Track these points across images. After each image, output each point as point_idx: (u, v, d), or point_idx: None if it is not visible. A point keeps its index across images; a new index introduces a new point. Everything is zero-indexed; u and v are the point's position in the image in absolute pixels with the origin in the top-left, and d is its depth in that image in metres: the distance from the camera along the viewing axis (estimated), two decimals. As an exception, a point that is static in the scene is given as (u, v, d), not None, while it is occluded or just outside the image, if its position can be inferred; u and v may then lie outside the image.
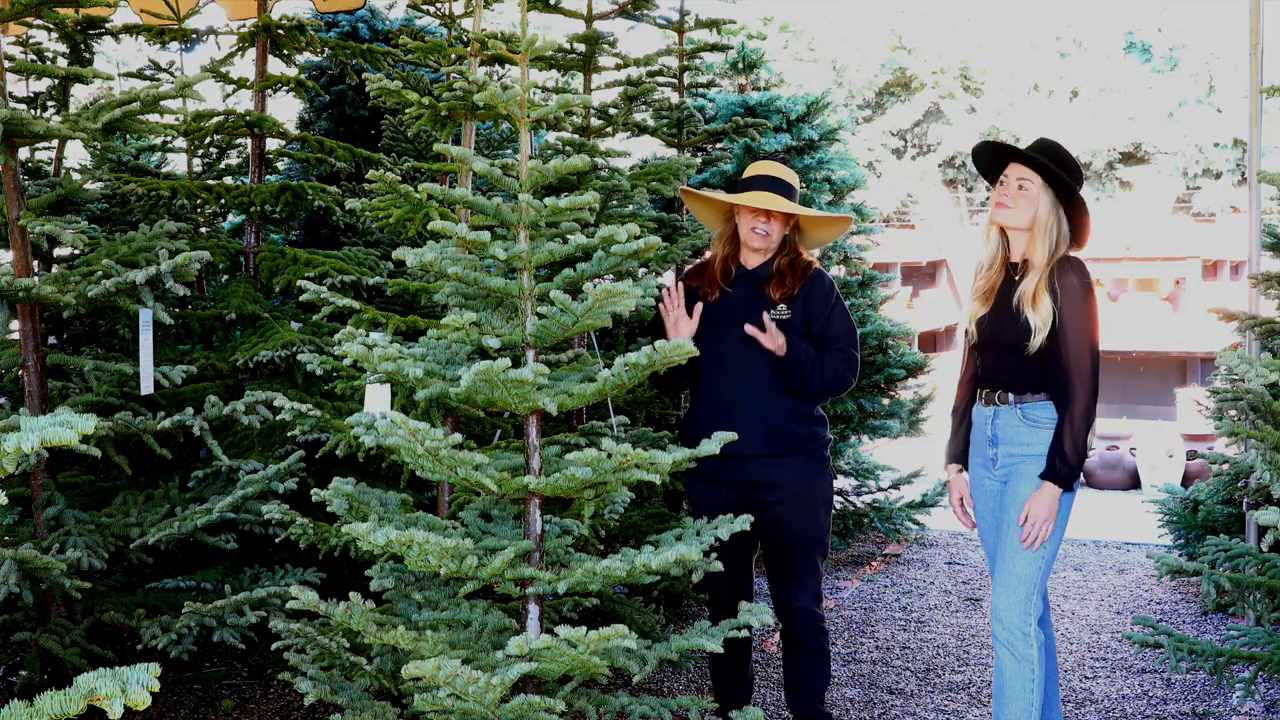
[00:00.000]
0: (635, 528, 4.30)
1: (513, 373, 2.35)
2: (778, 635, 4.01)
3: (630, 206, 4.60)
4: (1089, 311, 3.03)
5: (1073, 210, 3.07)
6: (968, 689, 4.28)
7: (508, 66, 5.75)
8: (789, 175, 3.45)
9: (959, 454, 3.31)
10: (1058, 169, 3.05)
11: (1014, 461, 3.11)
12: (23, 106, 5.02)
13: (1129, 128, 25.73)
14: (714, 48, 5.40)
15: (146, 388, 3.68)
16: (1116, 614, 5.40)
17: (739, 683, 3.54)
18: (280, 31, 4.68)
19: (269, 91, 4.75)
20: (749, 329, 3.26)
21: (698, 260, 4.01)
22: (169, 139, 5.61)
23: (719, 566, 2.74)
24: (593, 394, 2.54)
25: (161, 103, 3.49)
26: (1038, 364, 3.05)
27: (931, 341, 21.25)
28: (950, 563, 6.45)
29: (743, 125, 5.38)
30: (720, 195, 3.51)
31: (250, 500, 3.68)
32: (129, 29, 4.86)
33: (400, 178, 4.63)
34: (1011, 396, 3.11)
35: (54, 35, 4.98)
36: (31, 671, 3.56)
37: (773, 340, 3.27)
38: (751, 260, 3.45)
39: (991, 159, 3.18)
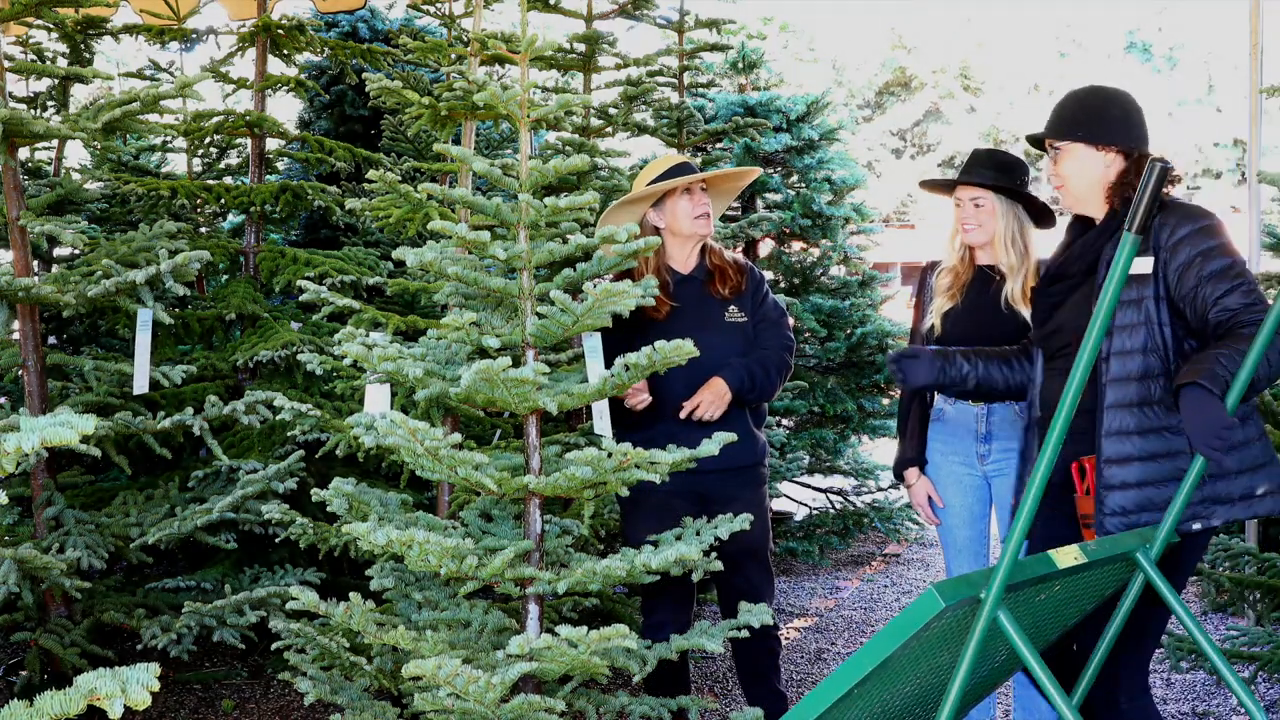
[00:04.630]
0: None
1: (513, 372, 2.35)
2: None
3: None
4: None
5: (1027, 203, 3.24)
6: (968, 689, 4.28)
7: (508, 66, 5.76)
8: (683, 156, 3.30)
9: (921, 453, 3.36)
10: (1001, 173, 3.21)
11: (1010, 457, 3.18)
12: (23, 106, 5.02)
13: (1129, 127, 25.81)
14: (714, 48, 5.40)
15: (140, 387, 3.67)
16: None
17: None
18: (280, 31, 4.68)
19: (269, 91, 4.75)
20: (688, 411, 3.11)
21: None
22: (169, 139, 5.61)
23: (719, 566, 2.73)
24: (593, 394, 2.54)
25: (161, 103, 3.49)
26: None
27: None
28: (950, 563, 6.45)
29: (743, 125, 5.38)
30: (654, 188, 3.23)
31: (250, 500, 3.68)
32: (129, 29, 4.86)
33: (400, 178, 4.63)
34: None
35: (54, 35, 4.98)
36: (31, 671, 3.56)
37: (715, 406, 3.13)
38: (684, 264, 3.27)
39: (942, 189, 3.36)
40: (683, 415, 3.13)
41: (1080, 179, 2.61)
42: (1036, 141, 2.72)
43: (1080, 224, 2.71)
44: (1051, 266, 2.72)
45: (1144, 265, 2.47)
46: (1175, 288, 2.46)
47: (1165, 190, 2.54)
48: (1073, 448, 2.55)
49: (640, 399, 3.10)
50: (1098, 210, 2.63)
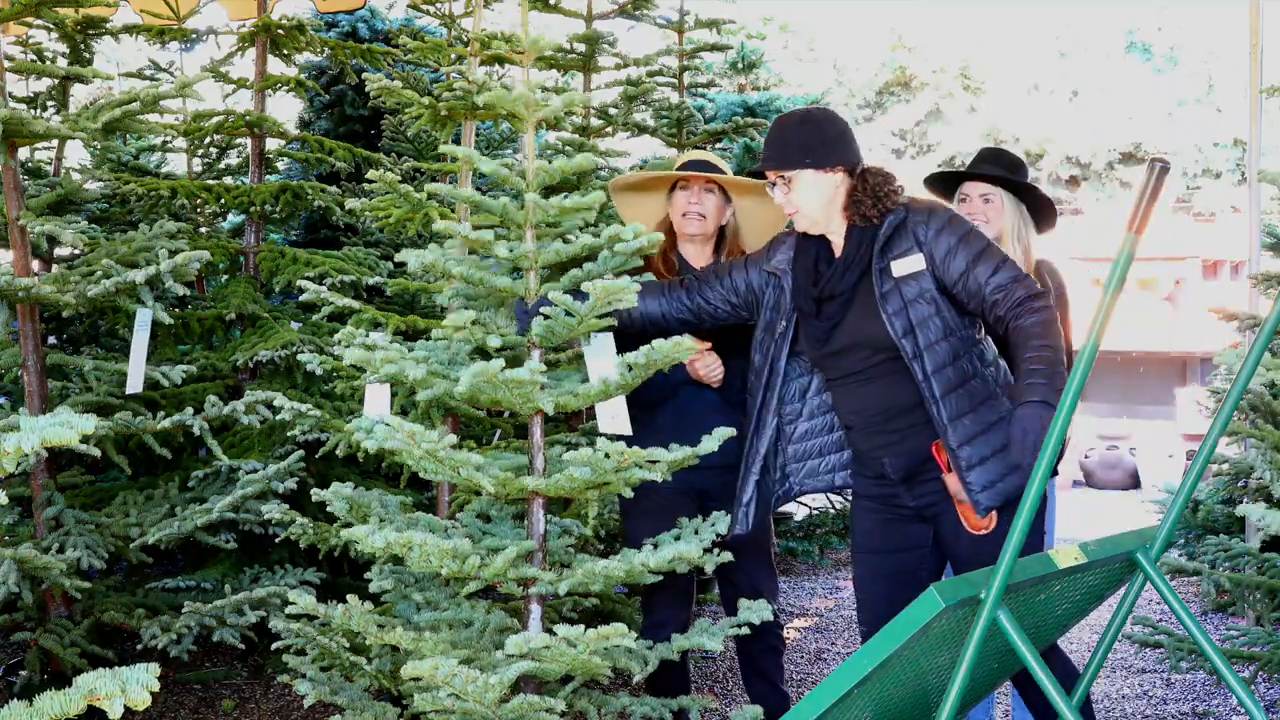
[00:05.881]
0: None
1: (511, 373, 2.35)
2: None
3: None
4: (1068, 312, 3.28)
5: (1033, 201, 3.24)
6: (968, 689, 4.27)
7: (507, 66, 5.76)
8: (719, 160, 3.23)
9: None
10: (1010, 173, 3.21)
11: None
12: (23, 106, 5.01)
13: (1129, 128, 25.69)
14: (714, 48, 5.41)
15: (134, 387, 3.66)
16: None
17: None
18: (280, 31, 4.68)
19: (269, 91, 4.75)
20: (690, 370, 3.06)
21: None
22: (169, 139, 5.61)
23: (728, 557, 2.70)
24: (595, 394, 2.54)
25: (161, 103, 3.49)
26: None
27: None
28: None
29: (742, 125, 5.38)
30: (648, 174, 3.25)
31: (250, 500, 3.68)
32: (129, 29, 4.85)
33: (400, 178, 4.63)
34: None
35: (54, 35, 4.97)
36: (31, 671, 3.56)
37: (707, 370, 3.07)
38: (696, 258, 3.19)
39: (946, 185, 3.35)
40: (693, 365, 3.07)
41: (814, 203, 2.69)
42: (757, 175, 2.79)
43: (815, 244, 2.76)
44: (807, 290, 2.73)
45: (915, 263, 2.63)
46: (946, 274, 2.62)
47: (889, 195, 2.65)
48: (922, 438, 2.66)
49: (714, 373, 3.07)
50: (834, 229, 2.73)
